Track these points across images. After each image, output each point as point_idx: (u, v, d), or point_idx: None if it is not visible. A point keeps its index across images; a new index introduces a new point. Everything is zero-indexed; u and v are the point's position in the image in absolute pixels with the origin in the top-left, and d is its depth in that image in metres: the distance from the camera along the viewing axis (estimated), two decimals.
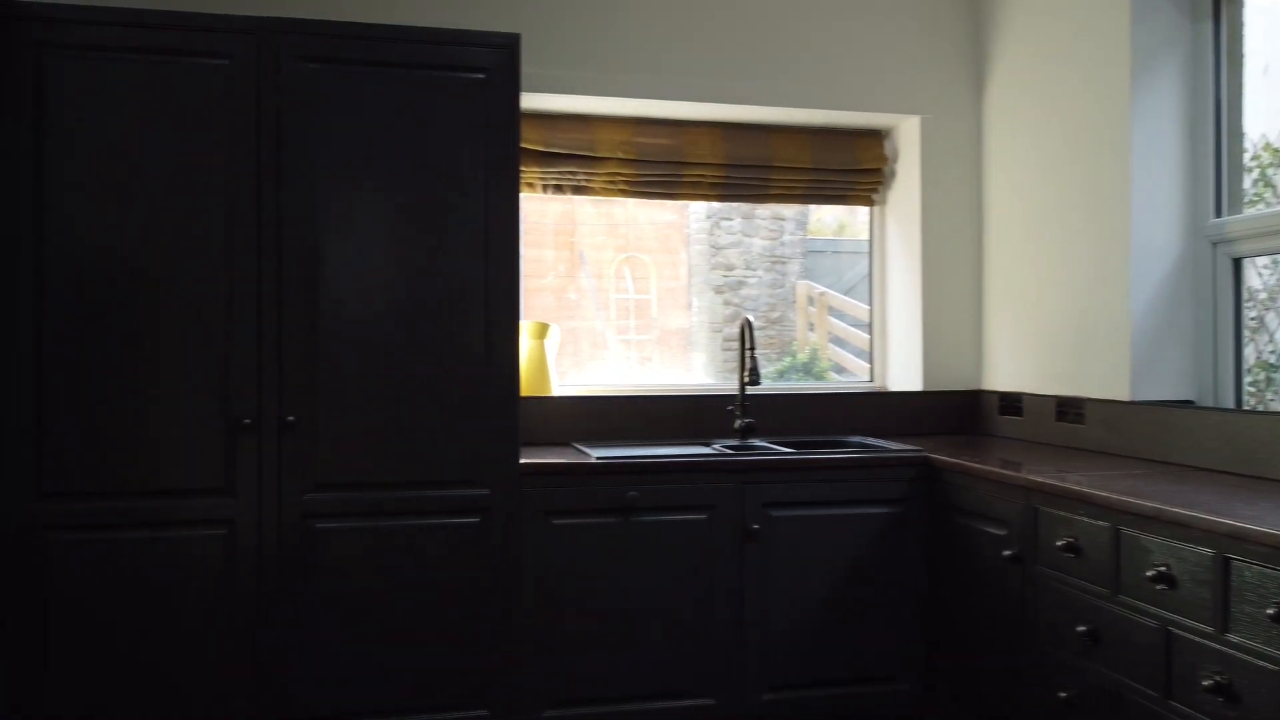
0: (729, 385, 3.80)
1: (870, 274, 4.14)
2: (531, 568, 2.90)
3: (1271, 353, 2.99)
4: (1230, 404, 2.99)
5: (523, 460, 2.90)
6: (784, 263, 5.06)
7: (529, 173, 3.60)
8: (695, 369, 4.24)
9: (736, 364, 3.64)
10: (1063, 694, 2.46)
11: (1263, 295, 3.01)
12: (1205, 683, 2.00)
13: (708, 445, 3.40)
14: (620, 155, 3.70)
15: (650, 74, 3.58)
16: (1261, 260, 2.98)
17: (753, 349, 3.47)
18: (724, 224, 4.83)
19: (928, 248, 3.84)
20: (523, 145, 3.14)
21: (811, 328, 4.95)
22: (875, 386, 4.04)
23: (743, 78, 3.67)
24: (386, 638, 2.79)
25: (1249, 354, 3.02)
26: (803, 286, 5.01)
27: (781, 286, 4.89)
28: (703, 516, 3.01)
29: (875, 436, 3.63)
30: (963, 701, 2.99)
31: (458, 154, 2.85)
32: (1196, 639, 2.05)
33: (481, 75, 2.86)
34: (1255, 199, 3.02)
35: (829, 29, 3.75)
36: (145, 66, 2.67)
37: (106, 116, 2.65)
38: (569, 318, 3.98)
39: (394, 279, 2.81)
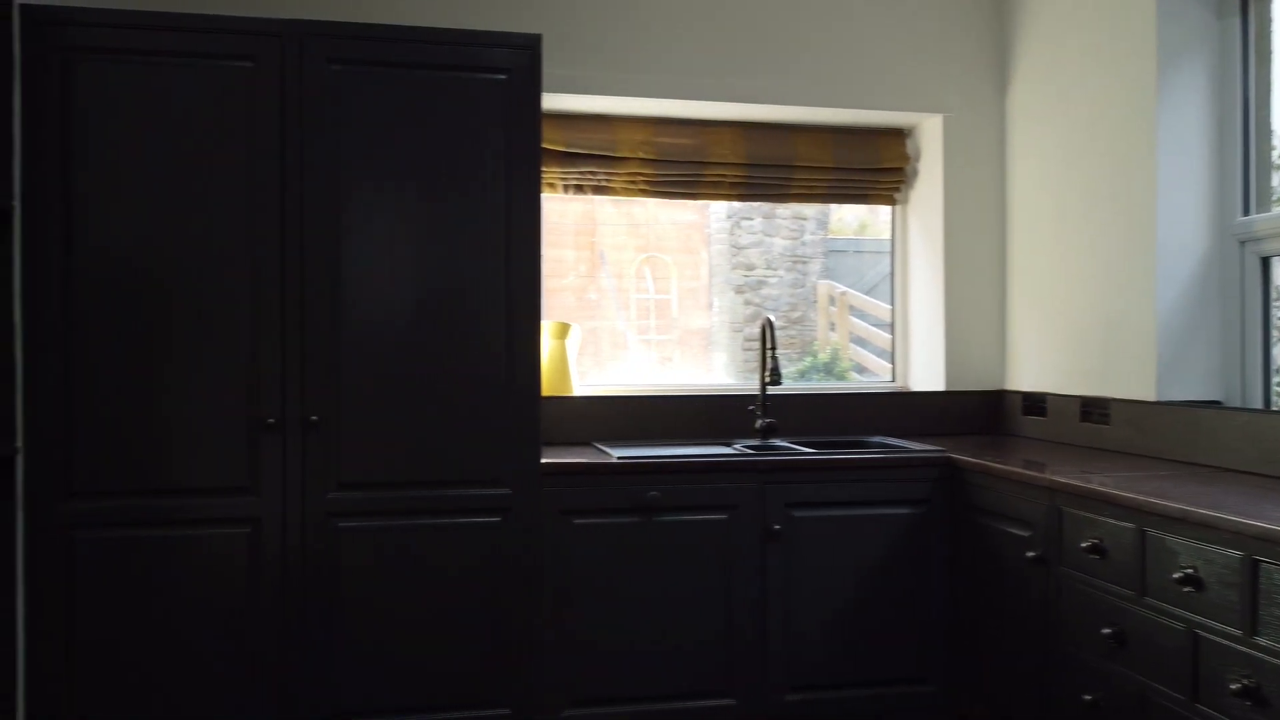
0: (750, 385, 3.80)
1: (892, 273, 4.12)
2: (552, 567, 2.90)
3: None
4: (1258, 404, 2.96)
5: (544, 460, 2.91)
6: (805, 262, 5.05)
7: (550, 173, 3.61)
8: (716, 369, 4.23)
9: (757, 364, 3.63)
10: (1088, 696, 2.44)
11: None
12: (1233, 686, 1.98)
13: (729, 445, 3.40)
14: (641, 155, 3.70)
15: (671, 74, 3.58)
16: None
17: (774, 349, 3.47)
18: (745, 224, 4.82)
19: (950, 247, 3.81)
20: (544, 145, 3.15)
21: (833, 327, 4.94)
22: (897, 386, 4.02)
23: (764, 77, 3.66)
24: (408, 636, 2.80)
25: (1278, 354, 2.99)
26: (824, 286, 4.99)
27: (802, 286, 4.87)
28: (724, 517, 3.01)
29: (897, 437, 3.62)
30: (986, 703, 2.97)
31: (479, 154, 2.86)
32: (1224, 642, 2.03)
33: (503, 76, 2.87)
34: None
35: (850, 27, 3.74)
36: (170, 69, 2.69)
37: (132, 119, 2.67)
38: (590, 318, 3.99)
39: (416, 279, 2.83)
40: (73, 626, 2.64)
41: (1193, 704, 2.11)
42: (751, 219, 4.80)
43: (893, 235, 4.10)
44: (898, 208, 4.06)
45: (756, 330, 3.89)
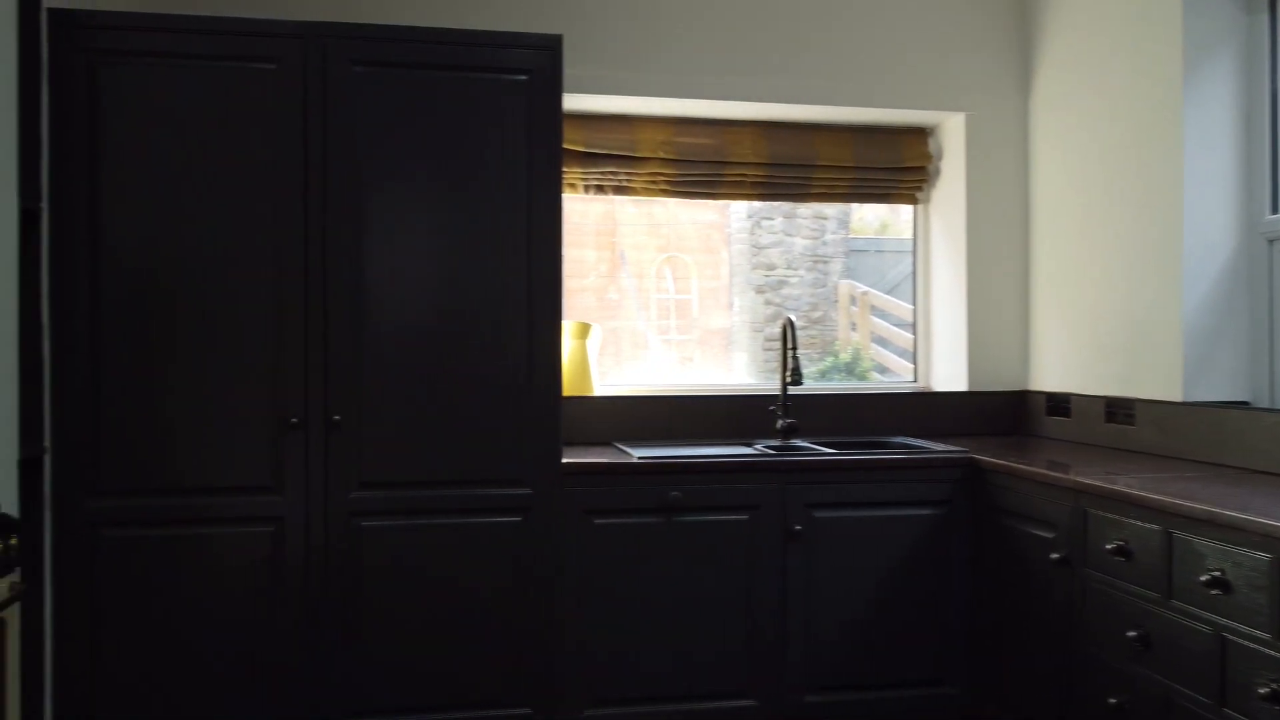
0: (770, 385, 3.79)
1: (914, 273, 4.10)
2: (573, 567, 2.91)
3: None
4: None
5: (564, 460, 2.91)
6: (826, 262, 5.03)
7: (570, 173, 3.61)
8: (736, 369, 4.23)
9: (778, 364, 3.62)
10: (1112, 700, 2.41)
11: None
12: (1261, 690, 1.95)
13: (750, 445, 3.39)
14: (661, 155, 3.70)
15: (691, 73, 3.58)
16: None
17: (795, 349, 3.46)
18: (765, 223, 4.81)
19: (973, 246, 3.79)
20: (564, 146, 3.16)
21: (854, 327, 4.91)
22: (919, 387, 4.00)
23: (784, 76, 3.65)
24: (430, 635, 2.81)
25: None
26: (845, 286, 4.97)
27: (823, 286, 4.85)
28: (745, 517, 3.00)
29: (919, 437, 3.60)
30: (1009, 706, 2.95)
31: (501, 155, 2.86)
32: (1252, 645, 2.00)
33: (524, 76, 2.88)
34: None
35: (872, 26, 3.72)
36: (194, 72, 2.72)
37: (157, 121, 2.70)
38: (610, 318, 3.99)
39: (437, 280, 2.84)
40: (98, 623, 2.66)
41: (1220, 708, 2.09)
42: (772, 219, 4.79)
43: (914, 234, 4.08)
44: (919, 207, 4.03)
45: (777, 330, 3.88)
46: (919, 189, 3.98)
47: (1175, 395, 3.03)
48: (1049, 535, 2.72)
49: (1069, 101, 3.58)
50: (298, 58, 2.76)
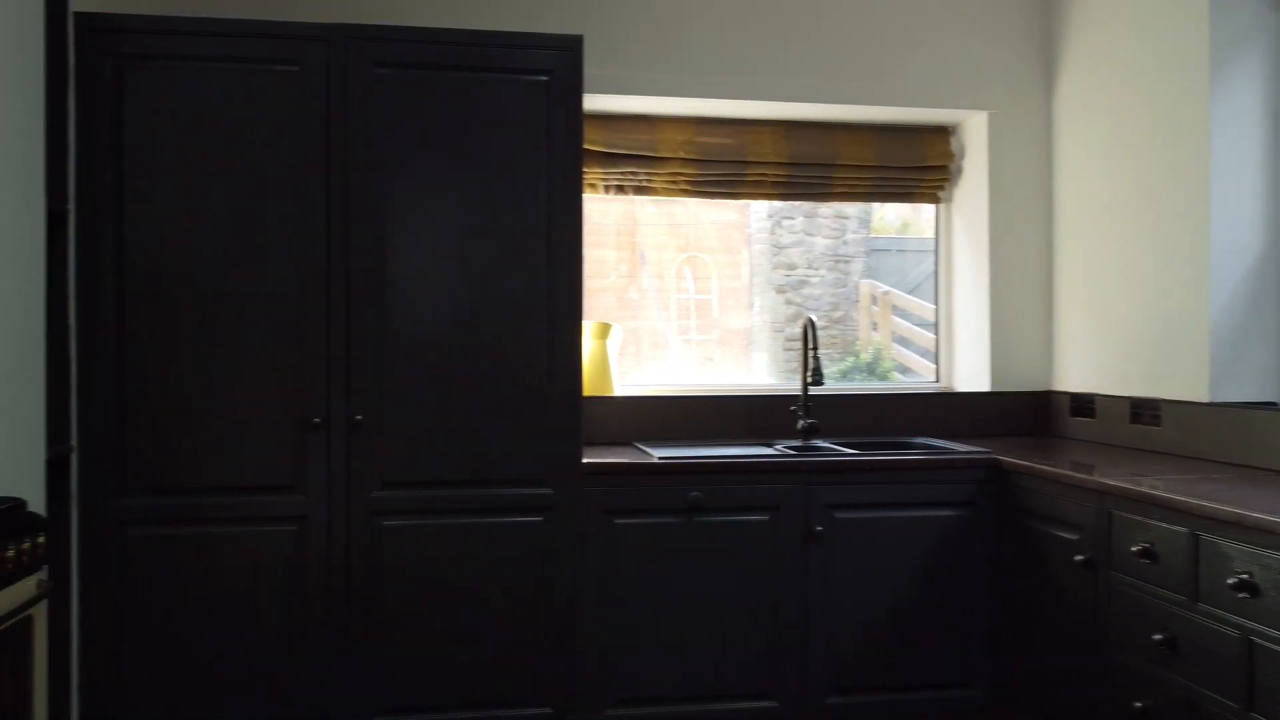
0: (791, 385, 3.78)
1: (936, 272, 4.08)
2: (594, 567, 2.91)
3: None
4: None
5: (585, 460, 2.92)
6: (847, 262, 5.01)
7: (591, 173, 3.62)
8: (757, 369, 4.21)
9: (799, 364, 3.61)
10: (1138, 704, 2.39)
11: None
12: None
13: (770, 446, 3.38)
14: (682, 155, 3.69)
15: (712, 73, 3.58)
16: None
17: (815, 349, 3.44)
18: (786, 223, 4.79)
19: (996, 245, 3.76)
20: (585, 146, 3.16)
21: (875, 327, 4.89)
22: (941, 387, 3.98)
23: (806, 75, 3.64)
24: (451, 634, 2.82)
25: None
26: (866, 285, 4.95)
27: (844, 286, 4.83)
28: (765, 518, 3.00)
29: (941, 438, 3.58)
30: (1032, 709, 2.93)
31: (522, 156, 2.87)
32: None
33: (545, 77, 2.88)
34: None
35: (893, 24, 3.70)
36: (218, 74, 2.74)
37: (181, 123, 2.72)
38: (630, 318, 3.99)
39: (458, 280, 2.85)
40: (123, 620, 2.69)
41: (1248, 713, 2.06)
42: (793, 218, 4.77)
43: (936, 234, 4.05)
44: (941, 206, 4.01)
45: (798, 330, 3.86)
46: (941, 188, 3.95)
47: (1201, 396, 3.00)
48: (1073, 537, 2.70)
49: (1093, 99, 3.54)
50: (320, 59, 2.78)
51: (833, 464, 3.06)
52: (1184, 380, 3.07)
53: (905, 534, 3.06)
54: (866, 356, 4.58)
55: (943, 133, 3.92)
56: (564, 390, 2.89)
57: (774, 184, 3.81)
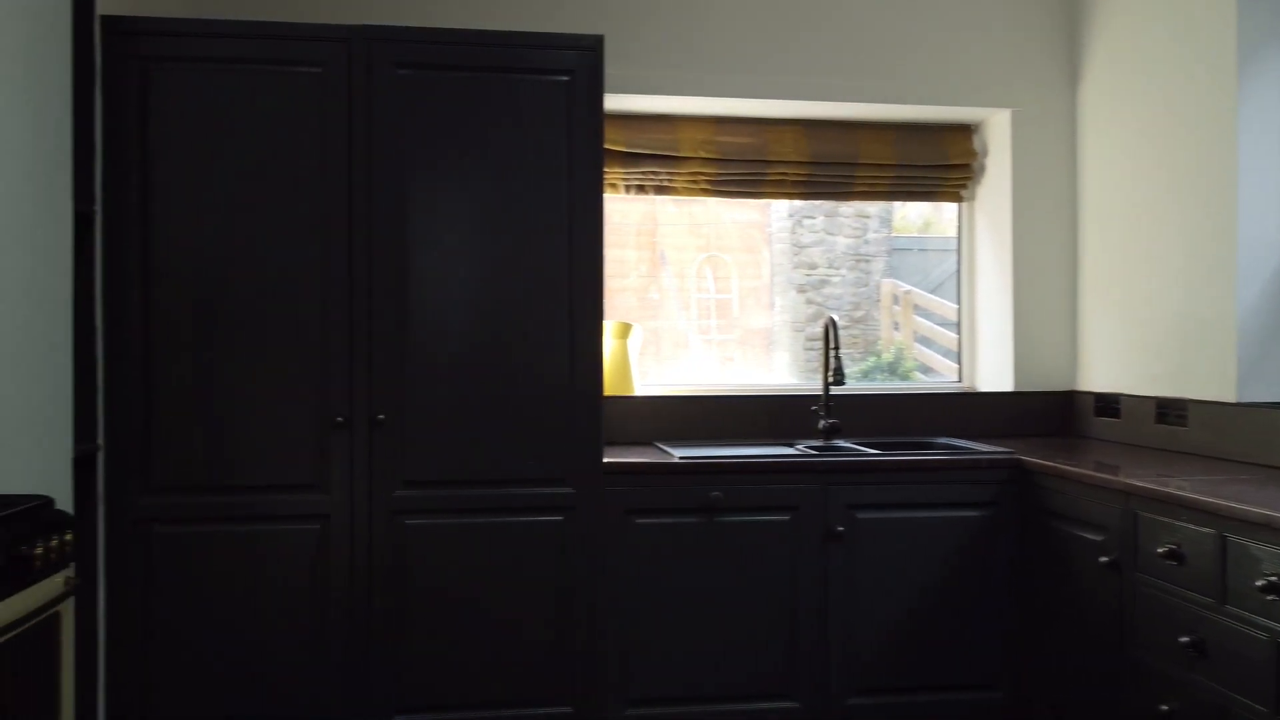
0: (812, 385, 3.76)
1: (958, 271, 4.05)
2: (614, 566, 2.91)
3: None
4: None
5: (606, 460, 2.92)
6: (868, 261, 4.99)
7: (612, 173, 3.62)
8: (778, 369, 4.20)
9: (820, 364, 3.60)
10: (1164, 707, 2.37)
11: None
12: None
13: (791, 446, 3.37)
14: (703, 154, 3.69)
15: (733, 72, 3.57)
16: None
17: (837, 348, 3.43)
18: (806, 222, 4.78)
19: (1019, 244, 3.74)
20: (606, 146, 3.16)
21: (897, 327, 4.87)
22: (964, 387, 3.95)
23: (827, 74, 3.62)
24: (473, 633, 2.83)
25: None
26: (887, 285, 4.92)
27: (865, 285, 4.82)
28: (786, 518, 2.99)
29: (964, 438, 3.55)
30: (1054, 711, 2.90)
31: (542, 156, 2.88)
32: None
33: (566, 77, 2.89)
34: None
35: (915, 21, 3.68)
36: (242, 76, 2.76)
37: (206, 125, 2.75)
38: (651, 318, 3.99)
39: (481, 280, 2.86)
40: (150, 617, 2.72)
41: (1277, 717, 2.03)
42: (814, 217, 4.76)
43: (959, 232, 4.03)
44: (964, 205, 3.99)
45: (819, 330, 3.85)
46: (963, 186, 3.93)
47: (1229, 396, 2.96)
48: (1098, 538, 2.67)
49: (1119, 96, 3.51)
50: (343, 61, 2.79)
51: (854, 464, 3.05)
52: (1211, 380, 3.04)
53: (927, 535, 3.04)
54: (888, 356, 4.56)
55: (965, 131, 3.90)
56: (585, 390, 2.89)
57: (795, 183, 3.80)
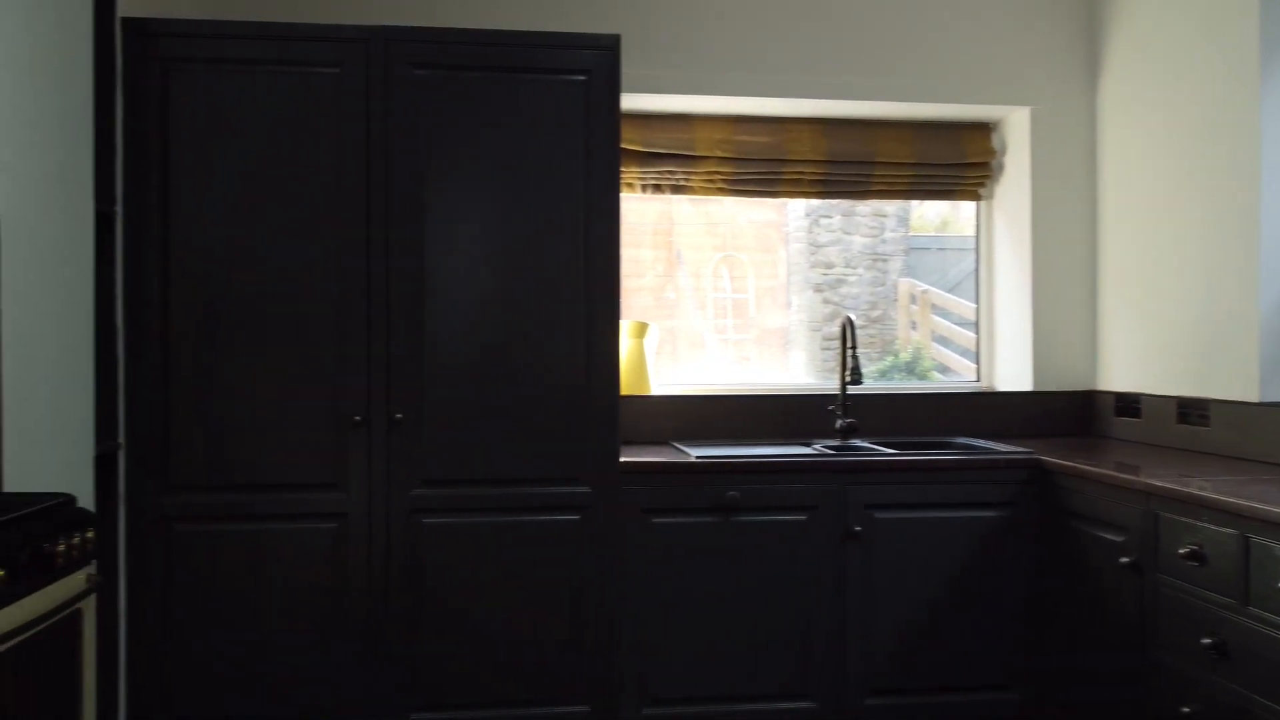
0: (829, 385, 3.75)
1: (977, 270, 4.03)
2: (631, 565, 2.91)
3: None
4: None
5: (622, 459, 2.92)
6: (885, 260, 4.97)
7: (628, 173, 3.62)
8: (794, 368, 4.19)
9: (837, 363, 3.59)
10: (1185, 709, 2.35)
11: None
12: None
13: (808, 445, 3.36)
14: (719, 154, 3.68)
15: (750, 72, 3.56)
16: None
17: (854, 348, 3.42)
18: (823, 221, 4.77)
19: (1038, 242, 3.71)
20: (622, 145, 3.16)
21: (914, 326, 4.85)
22: (982, 386, 3.93)
23: (844, 73, 3.61)
24: (489, 631, 2.84)
25: None
26: (904, 284, 4.91)
27: (882, 284, 4.80)
28: (803, 517, 2.98)
29: (982, 438, 3.53)
30: (1073, 713, 2.88)
31: (559, 156, 2.88)
32: None
33: (583, 77, 2.89)
34: None
35: (932, 18, 3.67)
36: (261, 77, 2.77)
37: (225, 125, 2.76)
38: (667, 317, 3.99)
39: (497, 280, 2.86)
40: (170, 615, 2.74)
41: None
42: (830, 217, 4.75)
43: (977, 231, 4.01)
44: (982, 203, 3.96)
45: (836, 329, 3.84)
46: (982, 185, 3.90)
47: (1252, 395, 2.93)
48: (1118, 539, 2.65)
49: (1139, 93, 3.48)
50: (360, 62, 2.80)
51: (872, 464, 3.04)
52: (1233, 379, 3.01)
53: (945, 535, 3.02)
54: (905, 356, 4.54)
55: (984, 129, 3.88)
56: (601, 389, 2.89)
57: (812, 182, 3.79)
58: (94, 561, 1.91)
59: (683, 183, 3.72)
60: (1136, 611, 2.57)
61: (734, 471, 2.96)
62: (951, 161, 3.83)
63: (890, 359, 4.44)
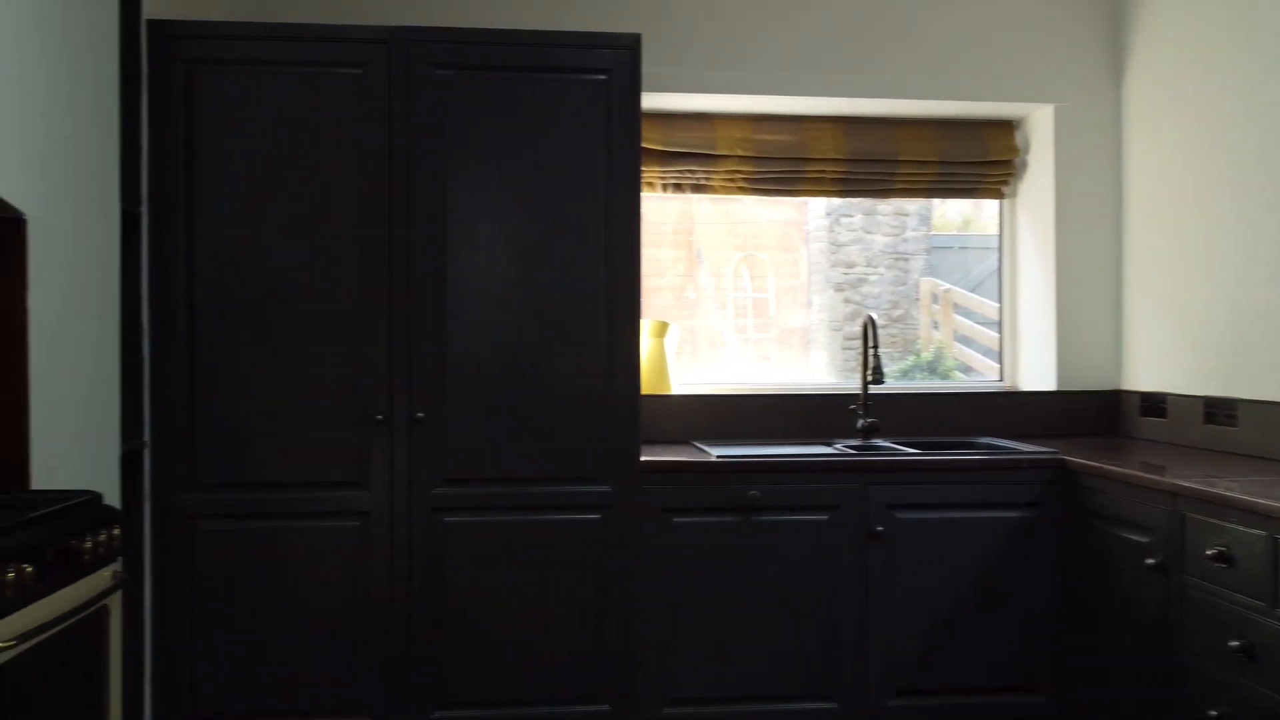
0: (850, 384, 3.74)
1: (1000, 269, 4.00)
2: (652, 565, 2.91)
3: None
4: None
5: (643, 458, 2.92)
6: (906, 259, 4.94)
7: (649, 172, 3.61)
8: (815, 367, 4.18)
9: (858, 363, 3.57)
10: (1213, 712, 2.32)
11: None
12: None
13: (830, 445, 3.35)
14: (740, 153, 3.67)
15: (771, 70, 3.55)
16: None
17: (875, 347, 3.40)
18: (844, 220, 4.75)
19: (1062, 241, 3.68)
20: (643, 144, 3.15)
21: (936, 325, 4.82)
22: (1005, 386, 3.90)
23: (865, 70, 3.59)
24: (511, 630, 2.84)
25: None
26: (926, 283, 4.87)
27: (904, 284, 4.77)
28: (824, 517, 2.97)
29: (1005, 438, 3.51)
30: (1099, 715, 2.85)
31: (580, 155, 2.88)
32: None
33: (603, 76, 2.89)
34: None
35: (955, 15, 3.64)
36: (284, 78, 2.79)
37: (249, 126, 2.78)
38: (688, 316, 3.98)
39: (518, 279, 2.87)
40: (195, 612, 2.76)
41: None
42: (851, 216, 4.72)
43: (1000, 230, 3.98)
44: (1005, 201, 3.93)
45: (857, 329, 3.82)
46: (1005, 183, 3.88)
47: None
48: (1144, 540, 2.63)
49: (1165, 89, 3.44)
50: (382, 62, 2.82)
51: (894, 463, 3.02)
52: (1262, 379, 2.97)
53: (968, 535, 3.00)
54: (928, 355, 4.51)
55: (1007, 126, 3.85)
56: (622, 388, 2.89)
57: (833, 181, 3.77)
58: (120, 558, 1.93)
59: (703, 182, 3.71)
60: (1162, 613, 2.54)
61: (755, 471, 2.96)
62: (974, 160, 3.81)
63: (912, 358, 4.41)
